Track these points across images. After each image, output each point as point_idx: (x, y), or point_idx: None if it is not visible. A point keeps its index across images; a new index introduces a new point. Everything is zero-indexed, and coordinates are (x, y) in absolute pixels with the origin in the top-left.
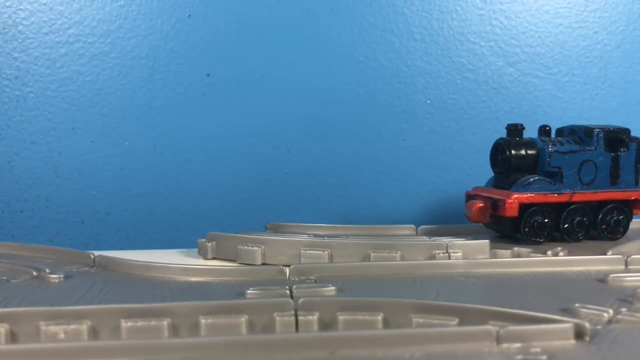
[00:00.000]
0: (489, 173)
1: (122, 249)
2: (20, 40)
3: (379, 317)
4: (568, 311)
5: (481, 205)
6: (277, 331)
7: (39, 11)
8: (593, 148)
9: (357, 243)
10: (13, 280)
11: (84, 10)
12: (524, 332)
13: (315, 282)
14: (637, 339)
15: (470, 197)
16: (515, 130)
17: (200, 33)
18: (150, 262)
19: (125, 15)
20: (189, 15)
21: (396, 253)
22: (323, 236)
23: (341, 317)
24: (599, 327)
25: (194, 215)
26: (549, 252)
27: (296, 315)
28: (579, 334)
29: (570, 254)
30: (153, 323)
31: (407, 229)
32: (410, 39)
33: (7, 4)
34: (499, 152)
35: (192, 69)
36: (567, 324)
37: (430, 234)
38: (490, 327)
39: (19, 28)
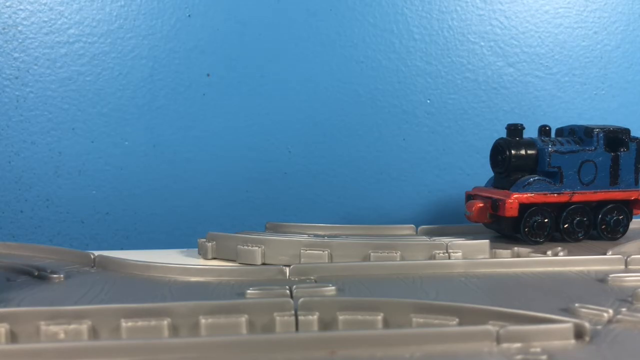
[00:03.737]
0: (489, 173)
1: (122, 249)
2: (20, 41)
3: (379, 317)
4: (568, 311)
5: (481, 205)
6: (277, 331)
7: (39, 11)
8: (593, 148)
9: (357, 243)
10: (13, 281)
11: (84, 11)
12: (524, 332)
13: (315, 282)
14: (637, 339)
15: (470, 197)
16: (515, 130)
17: (200, 33)
18: (151, 262)
19: (126, 15)
20: (189, 16)
21: (396, 253)
22: (323, 236)
23: (341, 317)
24: (599, 327)
25: (194, 215)
26: (549, 252)
27: (296, 315)
28: (578, 334)
29: (570, 254)
30: (153, 323)
31: (407, 229)
32: (410, 39)
33: (7, 4)
34: (499, 152)
35: (192, 69)
36: (567, 324)
37: (430, 234)
38: (490, 327)
39: (19, 28)
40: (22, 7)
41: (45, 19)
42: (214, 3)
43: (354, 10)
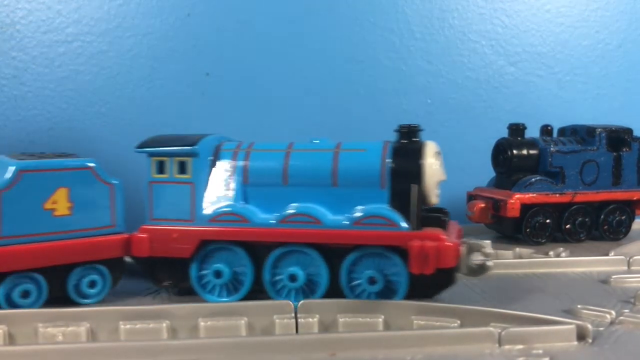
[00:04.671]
0: (491, 173)
1: None
2: (18, 39)
3: (380, 319)
4: (570, 312)
5: (483, 205)
6: (277, 333)
7: (37, 10)
8: (595, 148)
9: None
10: None
11: (82, 9)
12: (526, 333)
13: None
14: (639, 340)
15: (471, 197)
16: (516, 130)
17: (199, 32)
18: None
19: (124, 14)
20: (189, 14)
21: None
22: None
23: (341, 320)
24: (601, 328)
25: None
26: (551, 253)
27: (296, 318)
28: (581, 335)
29: (572, 254)
30: (152, 325)
31: None
32: (410, 38)
33: (5, 2)
34: (500, 152)
35: (191, 69)
36: (569, 326)
37: None
38: (492, 329)
39: (17, 27)
40: (19, 5)
41: (44, 18)
42: (213, 2)
43: (354, 10)
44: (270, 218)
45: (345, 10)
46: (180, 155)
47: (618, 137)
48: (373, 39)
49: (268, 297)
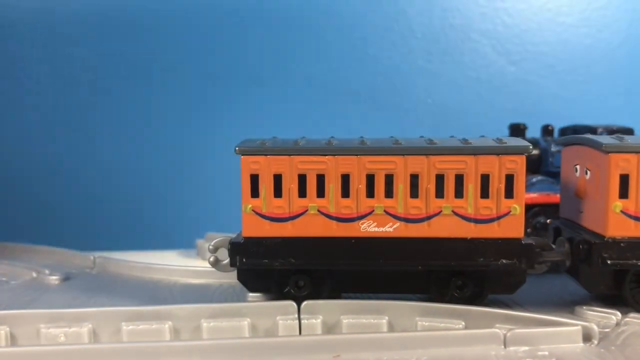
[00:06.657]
0: None
1: (122, 249)
2: (17, 39)
3: (384, 321)
4: (575, 314)
5: None
6: (280, 334)
7: (35, 9)
8: None
9: None
10: (13, 282)
11: (83, 9)
12: (531, 335)
13: None
14: None
15: None
16: (517, 129)
17: (200, 33)
18: (151, 264)
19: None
20: (189, 14)
21: None
22: None
23: (345, 321)
24: (607, 330)
25: (194, 216)
26: None
27: (299, 319)
28: (586, 337)
29: None
30: (154, 326)
31: None
32: (411, 37)
33: (4, 2)
34: None
35: (192, 69)
36: (574, 327)
37: None
38: (497, 330)
39: (18, 27)
40: (19, 4)
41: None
42: (214, 3)
43: (355, 9)
44: None
45: (346, 10)
46: None
47: None
48: (373, 39)
49: (272, 298)
